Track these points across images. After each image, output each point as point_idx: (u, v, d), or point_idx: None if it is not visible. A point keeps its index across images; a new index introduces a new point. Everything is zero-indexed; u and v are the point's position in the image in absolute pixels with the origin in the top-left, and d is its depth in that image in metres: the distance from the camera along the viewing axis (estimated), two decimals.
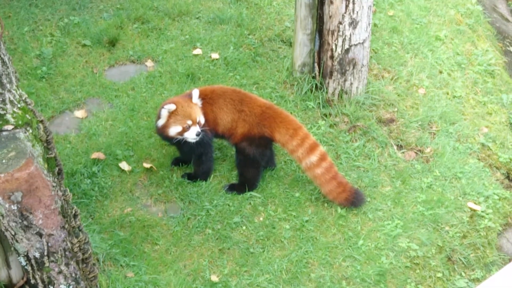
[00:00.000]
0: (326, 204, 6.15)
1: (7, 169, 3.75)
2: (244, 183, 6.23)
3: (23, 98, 4.04)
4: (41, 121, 4.10)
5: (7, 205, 3.90)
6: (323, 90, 7.09)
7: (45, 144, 4.07)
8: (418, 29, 8.41)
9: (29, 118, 3.99)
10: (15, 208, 3.92)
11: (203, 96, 6.11)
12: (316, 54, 7.04)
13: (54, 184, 4.07)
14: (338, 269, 5.69)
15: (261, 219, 6.01)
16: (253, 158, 6.14)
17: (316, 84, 7.13)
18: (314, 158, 6.01)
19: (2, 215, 3.98)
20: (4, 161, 3.76)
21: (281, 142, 6.10)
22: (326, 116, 7.00)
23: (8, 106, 3.93)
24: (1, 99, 3.89)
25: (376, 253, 5.81)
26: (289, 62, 7.41)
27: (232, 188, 6.23)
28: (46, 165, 4.00)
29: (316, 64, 7.08)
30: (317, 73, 7.10)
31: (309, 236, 5.88)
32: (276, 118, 6.09)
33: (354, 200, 6.12)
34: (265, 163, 6.30)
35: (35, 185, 3.89)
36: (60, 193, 4.17)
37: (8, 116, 3.92)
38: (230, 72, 7.52)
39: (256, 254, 5.72)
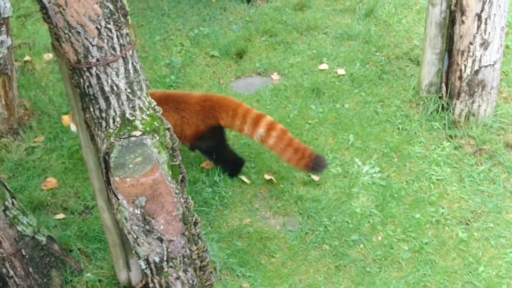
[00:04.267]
0: (447, 228, 6.01)
1: (133, 174, 3.84)
2: (228, 167, 6.37)
3: (152, 106, 4.13)
4: (168, 129, 4.18)
5: (131, 209, 3.99)
6: (450, 111, 6.95)
7: (171, 152, 4.15)
8: None
9: (157, 125, 4.08)
10: (139, 212, 4.01)
11: None
12: (444, 74, 6.91)
13: (177, 191, 4.14)
14: None
15: (379, 238, 5.93)
16: (214, 147, 6.20)
17: (442, 105, 7.00)
18: (261, 130, 6.00)
19: (126, 219, 4.07)
20: (131, 166, 3.86)
21: (228, 126, 6.15)
22: (451, 137, 6.85)
23: (138, 112, 4.03)
24: (131, 105, 3.99)
25: (496, 281, 5.62)
26: (416, 81, 7.30)
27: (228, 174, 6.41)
28: (170, 172, 4.07)
29: (443, 84, 6.95)
30: (444, 94, 6.96)
31: (428, 259, 5.76)
32: (214, 106, 6.06)
33: (314, 166, 6.08)
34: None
35: (158, 191, 3.97)
36: (182, 200, 4.23)
37: (137, 122, 4.01)
38: (356, 88, 7.48)
39: (372, 274, 5.65)
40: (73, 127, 6.21)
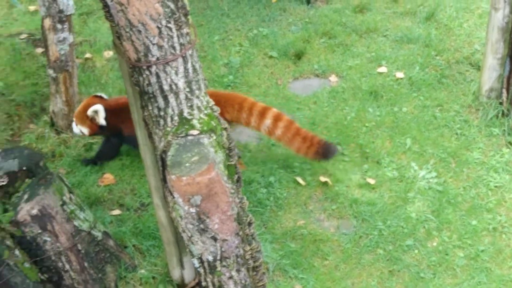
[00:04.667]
0: (504, 236, 5.92)
1: (189, 173, 3.86)
2: None
3: (210, 105, 4.15)
4: (225, 129, 4.19)
5: (186, 208, 4.01)
6: (510, 117, 6.84)
7: (227, 151, 4.16)
8: None
9: (214, 124, 4.09)
10: (194, 211, 4.03)
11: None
12: (505, 79, 6.80)
13: (232, 191, 4.15)
14: None
15: (434, 244, 5.87)
16: None
17: (502, 111, 6.89)
18: (268, 121, 6.12)
19: (181, 217, 4.09)
20: (187, 164, 3.88)
21: (235, 121, 6.21)
22: (511, 144, 6.74)
23: (195, 111, 4.05)
24: (189, 104, 4.02)
25: None
26: (476, 86, 7.20)
27: None
28: (226, 172, 4.09)
29: (504, 90, 6.85)
30: (504, 99, 6.86)
31: (484, 266, 5.67)
32: (220, 101, 5.96)
33: (324, 152, 6.22)
34: None
35: (214, 190, 3.98)
36: (237, 200, 4.24)
37: (195, 122, 4.04)
38: (414, 92, 7.41)
39: (426, 280, 5.58)
40: (75, 128, 6.34)
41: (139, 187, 6.27)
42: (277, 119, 6.13)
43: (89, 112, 6.22)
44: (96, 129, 6.32)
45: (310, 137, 6.18)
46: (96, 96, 6.46)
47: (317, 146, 6.19)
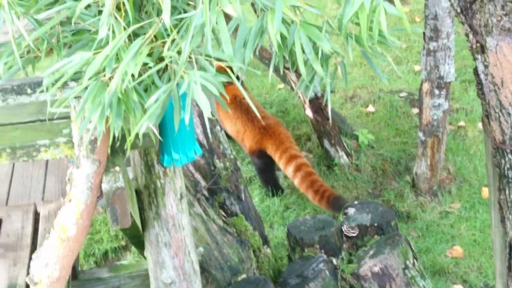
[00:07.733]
0: None
1: None
2: (267, 187, 7.09)
3: None
4: None
5: None
6: None
7: None
8: None
9: None
10: None
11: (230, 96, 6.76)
12: None
13: None
14: None
15: None
16: (260, 167, 7.02)
17: None
18: (290, 169, 6.61)
19: None
20: None
21: (272, 155, 6.77)
22: None
23: None
24: None
25: None
26: None
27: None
28: None
29: None
30: None
31: None
32: (268, 135, 6.78)
33: (332, 207, 6.35)
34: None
35: None
36: None
37: None
38: None
39: None
40: None
41: (487, 267, 6.09)
42: (297, 169, 6.59)
43: None
44: None
45: (322, 191, 6.45)
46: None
47: (327, 200, 6.41)
